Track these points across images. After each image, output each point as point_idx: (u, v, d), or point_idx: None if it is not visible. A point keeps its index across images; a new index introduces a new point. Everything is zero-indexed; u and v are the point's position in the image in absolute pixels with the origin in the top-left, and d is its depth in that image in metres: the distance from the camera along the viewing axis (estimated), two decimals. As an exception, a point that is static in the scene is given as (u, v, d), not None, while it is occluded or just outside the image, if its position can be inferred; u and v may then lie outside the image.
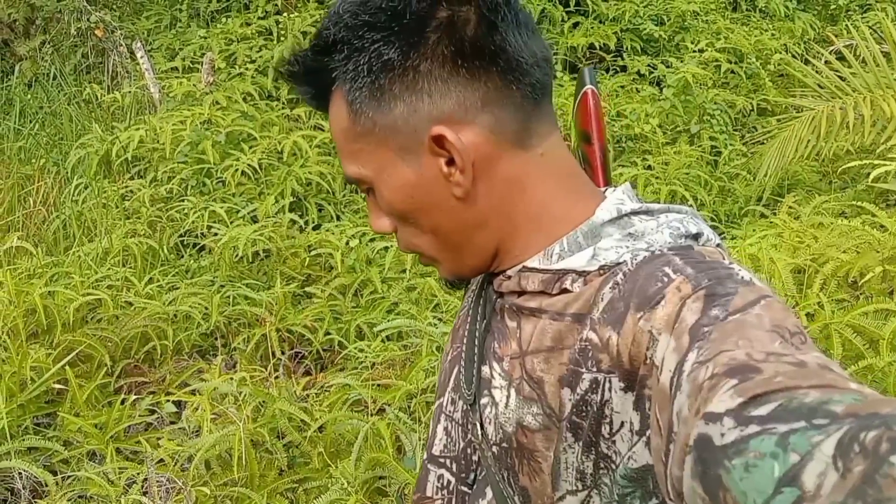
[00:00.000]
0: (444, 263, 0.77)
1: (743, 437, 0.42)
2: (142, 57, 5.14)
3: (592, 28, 5.54)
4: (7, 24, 5.95)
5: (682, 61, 4.99)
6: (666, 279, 0.61)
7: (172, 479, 2.24)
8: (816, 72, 3.98)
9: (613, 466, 0.65)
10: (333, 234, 3.76)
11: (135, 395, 3.04)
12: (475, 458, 0.81)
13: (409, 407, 2.52)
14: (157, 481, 2.26)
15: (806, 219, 3.15)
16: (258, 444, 2.42)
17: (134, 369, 3.22)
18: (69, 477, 2.53)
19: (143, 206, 4.11)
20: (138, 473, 2.29)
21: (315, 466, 2.27)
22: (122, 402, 2.82)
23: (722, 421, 0.44)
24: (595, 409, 0.64)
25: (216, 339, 3.41)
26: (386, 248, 3.66)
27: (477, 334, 0.79)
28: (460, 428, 0.82)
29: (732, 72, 5.28)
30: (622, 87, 5.12)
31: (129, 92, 5.03)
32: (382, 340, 3.37)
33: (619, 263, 0.66)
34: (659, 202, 0.75)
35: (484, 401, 0.76)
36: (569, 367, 0.66)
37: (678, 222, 0.68)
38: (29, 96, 5.48)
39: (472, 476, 0.81)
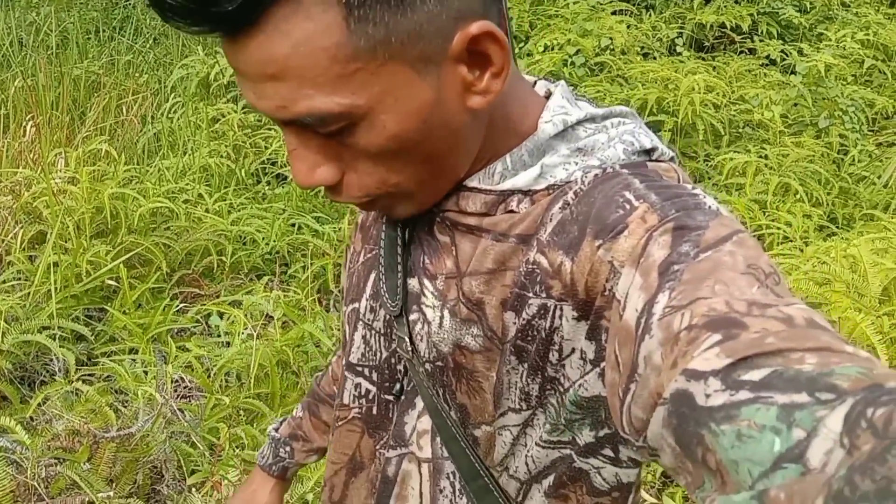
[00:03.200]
0: (419, 196, 0.65)
1: (733, 403, 0.40)
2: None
3: (725, 6, 5.14)
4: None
5: (818, 51, 4.54)
6: (627, 206, 0.56)
7: (192, 382, 2.16)
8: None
9: (562, 389, 0.63)
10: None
11: (188, 304, 3.01)
12: (400, 367, 0.76)
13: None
14: (178, 383, 2.19)
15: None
16: (286, 364, 2.30)
17: (191, 280, 3.19)
18: (98, 364, 2.51)
19: (231, 130, 4.10)
20: (157, 368, 2.22)
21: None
22: (169, 307, 2.78)
23: (706, 380, 0.42)
24: (543, 335, 0.61)
25: (276, 264, 3.34)
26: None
27: (399, 241, 0.71)
28: (382, 338, 0.77)
29: (879, 70, 4.78)
30: (749, 70, 4.72)
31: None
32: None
33: (568, 182, 0.62)
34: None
35: (413, 317, 0.70)
36: (513, 289, 0.62)
37: (630, 135, 0.63)
38: (146, 16, 5.60)
39: (396, 386, 0.77)
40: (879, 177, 3.83)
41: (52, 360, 2.58)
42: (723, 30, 5.10)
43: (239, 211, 3.50)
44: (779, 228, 3.28)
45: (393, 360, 0.77)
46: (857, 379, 0.37)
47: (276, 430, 1.11)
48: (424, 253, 0.70)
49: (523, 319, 0.62)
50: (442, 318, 0.68)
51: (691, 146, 4.22)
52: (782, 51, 4.84)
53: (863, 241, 2.49)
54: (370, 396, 0.79)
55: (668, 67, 4.37)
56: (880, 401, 0.35)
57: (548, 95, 0.69)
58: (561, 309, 0.60)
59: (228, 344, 2.56)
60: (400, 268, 0.72)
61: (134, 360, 2.51)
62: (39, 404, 2.21)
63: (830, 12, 5.15)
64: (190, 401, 2.35)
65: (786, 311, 0.45)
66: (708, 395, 0.42)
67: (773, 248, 3.25)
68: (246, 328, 2.45)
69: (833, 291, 1.95)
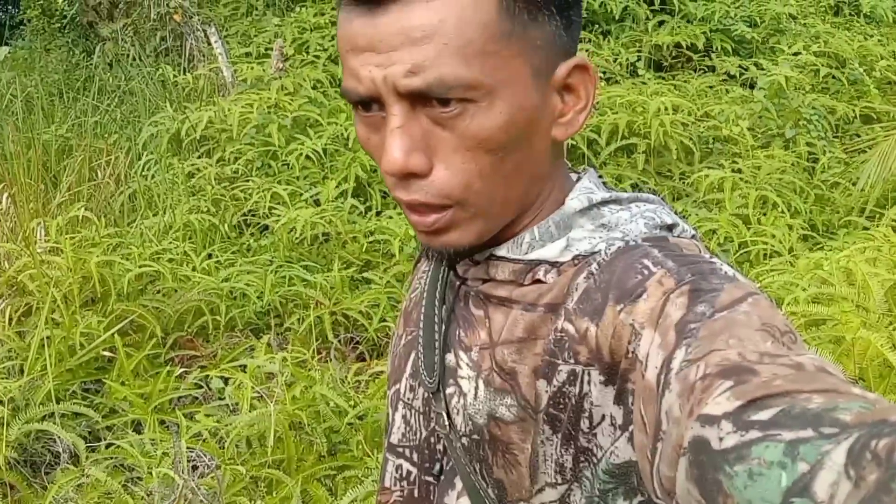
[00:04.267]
0: (483, 218, 0.65)
1: (744, 443, 0.41)
2: (216, 42, 5.16)
3: (679, 27, 5.28)
4: (93, 6, 6.07)
5: (775, 64, 4.68)
6: (646, 272, 0.59)
7: (204, 453, 2.11)
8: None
9: (595, 460, 0.63)
10: (394, 220, 3.63)
11: (185, 368, 2.95)
12: (440, 447, 0.77)
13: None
14: (191, 456, 2.14)
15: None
16: (298, 427, 2.27)
17: (186, 343, 3.13)
18: (110, 445, 2.44)
19: (209, 184, 4.06)
20: (172, 447, 2.16)
21: (355, 455, 2.11)
22: (169, 374, 2.73)
23: (719, 424, 0.43)
24: (574, 401, 0.62)
25: (270, 318, 3.31)
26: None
27: (437, 319, 0.73)
28: (421, 416, 0.78)
29: (833, 77, 4.94)
30: (710, 87, 4.84)
31: (203, 75, 5.03)
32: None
33: (593, 253, 0.64)
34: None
35: (450, 390, 0.72)
36: (543, 357, 0.64)
37: (652, 212, 0.66)
38: (108, 75, 5.55)
39: (437, 466, 0.77)
40: (853, 182, 3.94)
41: (55, 440, 2.51)
42: (679, 49, 5.23)
43: (227, 267, 3.46)
44: (765, 242, 3.35)
45: (432, 440, 0.77)
46: (861, 413, 0.38)
47: None
48: (460, 327, 0.72)
49: (554, 387, 0.63)
50: (477, 388, 0.69)
51: (665, 165, 4.30)
52: (740, 66, 4.97)
53: (856, 253, 2.55)
54: (411, 478, 0.79)
55: (633, 91, 4.46)
56: (884, 432, 0.35)
57: (577, 180, 0.72)
58: (589, 374, 0.61)
59: (235, 408, 2.52)
60: (437, 344, 0.72)
61: (140, 435, 2.45)
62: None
63: (780, 25, 5.31)
64: (202, 473, 2.30)
65: (796, 360, 0.46)
66: (721, 439, 0.42)
67: (760, 262, 3.31)
68: (254, 392, 2.41)
69: (843, 311, 1.98)
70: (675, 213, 0.69)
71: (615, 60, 4.92)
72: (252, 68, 4.73)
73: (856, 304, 2.14)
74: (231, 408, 2.54)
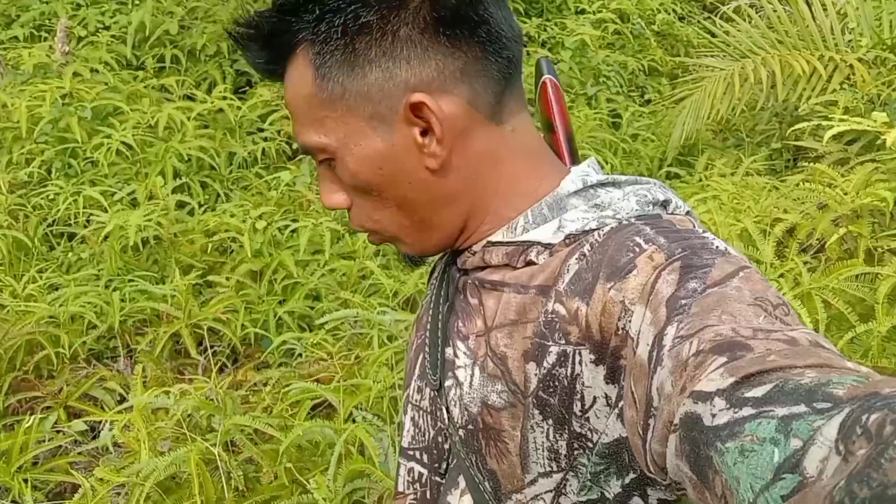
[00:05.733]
0: (406, 240, 0.73)
1: (737, 420, 0.41)
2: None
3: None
4: None
5: (575, 23, 4.95)
6: (637, 249, 0.59)
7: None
8: (711, 34, 4.05)
9: (591, 445, 0.63)
10: (234, 215, 3.40)
11: (29, 412, 2.61)
12: (447, 446, 0.78)
13: (365, 405, 2.30)
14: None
15: (738, 180, 3.18)
16: (207, 462, 2.11)
17: (22, 383, 2.77)
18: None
19: (1, 194, 3.55)
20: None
21: (282, 482, 2.01)
22: (17, 425, 2.40)
23: (712, 401, 0.43)
24: (565, 383, 0.62)
25: (109, 339, 3.00)
26: (294, 231, 3.36)
27: (440, 316, 0.76)
28: (429, 416, 0.79)
29: (618, 32, 5.31)
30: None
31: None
32: (305, 329, 3.11)
33: (585, 233, 0.65)
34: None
35: (448, 383, 0.73)
36: (533, 340, 0.64)
37: (645, 190, 0.67)
38: None
39: (444, 465, 0.78)
40: (654, 133, 4.31)
41: None
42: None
43: (49, 290, 3.08)
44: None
45: (440, 439, 0.78)
46: (853, 388, 0.38)
47: None
48: (458, 318, 0.74)
49: (544, 369, 0.63)
50: (472, 376, 0.70)
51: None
52: (540, 25, 5.19)
53: (697, 203, 2.78)
54: (423, 480, 0.80)
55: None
56: (875, 406, 0.35)
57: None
58: (580, 354, 0.61)
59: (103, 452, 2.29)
60: (440, 340, 0.75)
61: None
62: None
63: (567, -17, 5.59)
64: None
65: (790, 335, 0.46)
66: (714, 415, 0.42)
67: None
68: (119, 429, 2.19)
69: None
70: (672, 191, 0.70)
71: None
72: (31, 54, 4.14)
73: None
74: (110, 451, 2.31)
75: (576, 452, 0.64)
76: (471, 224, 0.72)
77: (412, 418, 0.81)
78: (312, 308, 3.21)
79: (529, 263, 0.68)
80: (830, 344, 0.47)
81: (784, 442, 0.37)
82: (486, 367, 0.68)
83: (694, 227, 0.64)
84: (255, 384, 2.76)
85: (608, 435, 0.62)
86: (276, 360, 2.99)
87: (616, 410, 0.60)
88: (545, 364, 0.63)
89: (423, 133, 0.66)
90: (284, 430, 2.02)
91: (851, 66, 4.00)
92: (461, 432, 0.72)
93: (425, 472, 0.80)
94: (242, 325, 3.02)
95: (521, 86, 0.72)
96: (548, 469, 0.66)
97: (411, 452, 0.81)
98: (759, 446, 0.38)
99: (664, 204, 0.67)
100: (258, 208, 3.37)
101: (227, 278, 3.23)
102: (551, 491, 0.67)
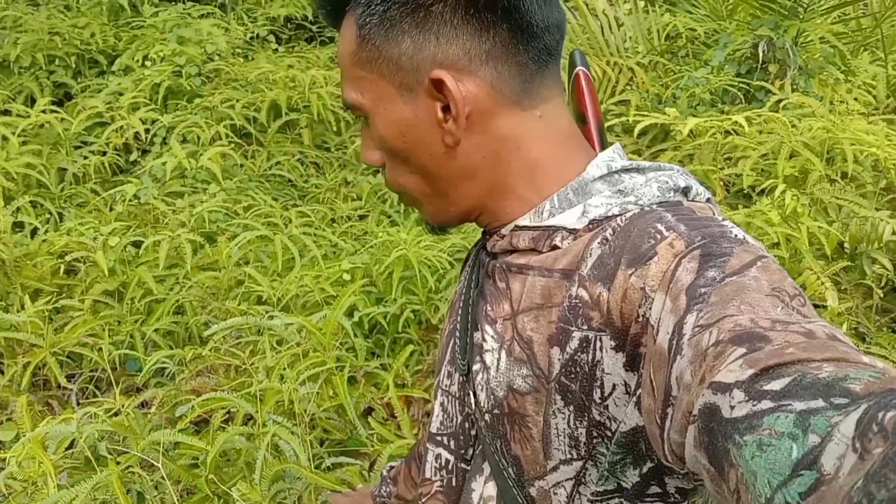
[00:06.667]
0: (426, 207, 0.76)
1: (756, 413, 0.41)
2: None
3: (289, -2, 5.43)
4: None
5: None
6: (658, 236, 0.60)
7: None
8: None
9: (609, 434, 0.63)
10: (83, 233, 3.24)
11: None
12: (473, 432, 0.78)
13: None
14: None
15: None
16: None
17: None
18: None
19: None
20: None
21: (205, 493, 2.03)
22: None
23: (731, 392, 0.43)
24: (586, 369, 0.63)
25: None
26: (154, 244, 3.27)
27: (470, 301, 0.78)
28: (457, 402, 0.80)
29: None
30: (332, 58, 5.14)
31: None
32: (174, 347, 3.05)
33: (608, 218, 0.67)
34: None
35: (476, 367, 0.74)
36: (558, 325, 0.65)
37: (666, 177, 0.69)
38: None
39: (470, 452, 0.79)
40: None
41: None
42: (296, 21, 5.40)
43: None
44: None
45: (467, 425, 0.79)
46: (870, 383, 0.38)
47: (388, 470, 1.23)
48: (487, 302, 0.75)
49: (566, 354, 0.64)
50: (499, 359, 0.71)
51: (319, 138, 4.51)
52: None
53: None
54: (449, 467, 0.81)
55: (270, 62, 4.54)
56: (892, 404, 0.35)
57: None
58: (600, 340, 0.61)
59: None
60: (469, 325, 0.77)
61: None
62: None
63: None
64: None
65: (807, 327, 0.47)
66: (733, 407, 0.42)
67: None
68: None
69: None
70: (693, 178, 0.71)
71: (247, 35, 4.90)
72: None
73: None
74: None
75: (594, 441, 0.64)
76: (490, 203, 0.73)
77: (441, 403, 0.82)
78: (177, 323, 3.16)
79: (554, 248, 0.68)
80: (846, 338, 0.47)
81: (802, 437, 0.37)
82: (513, 351, 0.69)
83: (713, 214, 0.64)
84: (141, 405, 2.68)
85: (626, 424, 0.62)
86: (144, 381, 2.92)
87: (634, 399, 0.60)
88: (568, 349, 0.64)
89: (444, 109, 0.68)
90: (208, 441, 2.04)
91: (632, 69, 4.62)
92: (487, 417, 0.72)
93: (452, 458, 0.80)
94: (101, 348, 2.91)
95: (556, 73, 0.72)
96: (568, 456, 0.66)
97: (440, 438, 0.82)
98: (778, 441, 0.38)
99: (685, 191, 0.68)
100: (109, 225, 3.23)
101: (82, 300, 3.09)
102: (571, 479, 0.67)
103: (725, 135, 3.08)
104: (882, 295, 2.80)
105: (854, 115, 3.14)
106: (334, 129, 4.37)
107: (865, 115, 3.36)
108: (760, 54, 3.48)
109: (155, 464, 2.06)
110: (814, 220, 2.71)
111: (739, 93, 3.63)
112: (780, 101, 3.38)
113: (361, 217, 4.00)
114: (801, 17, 3.55)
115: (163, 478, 2.12)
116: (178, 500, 2.04)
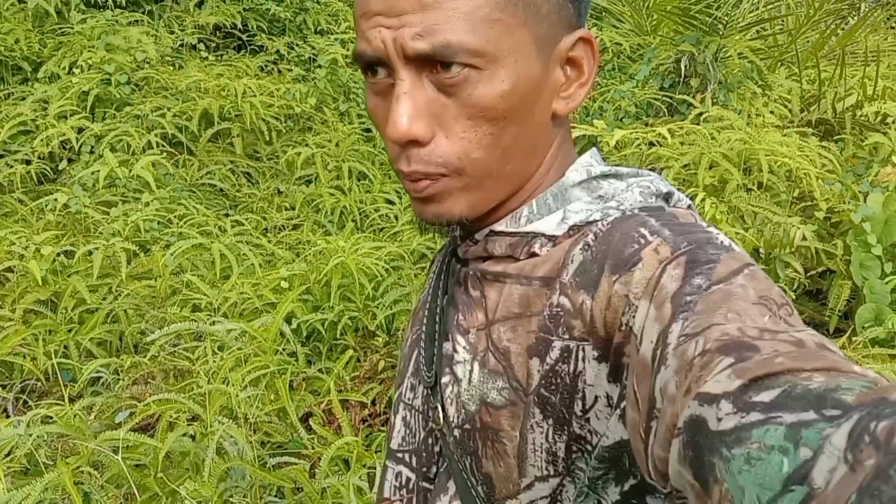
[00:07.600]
0: (478, 190, 0.65)
1: (744, 425, 0.39)
2: None
3: (218, 6, 5.41)
4: None
5: (325, 42, 5.21)
6: (642, 241, 0.58)
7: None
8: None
9: (589, 448, 0.60)
10: (14, 242, 3.16)
11: None
12: (437, 448, 0.74)
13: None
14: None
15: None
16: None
17: None
18: None
19: None
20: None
21: (154, 492, 2.03)
22: None
23: (718, 404, 0.41)
24: (567, 381, 0.60)
25: None
26: (89, 252, 3.22)
27: (438, 310, 0.74)
28: (420, 416, 0.76)
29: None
30: (262, 67, 5.14)
31: None
32: (109, 355, 3.00)
33: (588, 223, 0.64)
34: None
35: (445, 379, 0.70)
36: (538, 334, 0.62)
37: (648, 182, 0.67)
38: None
39: (433, 470, 0.75)
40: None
41: None
42: (225, 30, 5.38)
43: None
44: (377, 208, 3.91)
45: (430, 441, 0.75)
46: (862, 393, 0.37)
47: None
48: (458, 311, 0.71)
49: (546, 365, 0.61)
50: (471, 371, 0.67)
51: (250, 147, 4.51)
52: (289, 44, 5.38)
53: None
54: (410, 486, 0.76)
55: (201, 71, 4.52)
56: (884, 414, 0.34)
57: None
58: (583, 350, 0.59)
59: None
60: (437, 334, 0.72)
61: None
62: None
63: (304, 4, 5.83)
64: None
65: (796, 336, 0.45)
66: (720, 419, 0.41)
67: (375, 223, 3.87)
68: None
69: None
70: (672, 185, 0.69)
71: (177, 42, 4.86)
72: None
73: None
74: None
75: (574, 456, 0.61)
76: (511, 199, 0.69)
77: (403, 418, 0.78)
78: (111, 332, 3.12)
79: (533, 255, 0.65)
80: (836, 347, 0.45)
81: (793, 451, 0.36)
82: (487, 363, 0.66)
83: (696, 220, 0.62)
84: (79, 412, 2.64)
85: (608, 437, 0.59)
86: (79, 390, 2.88)
87: (618, 411, 0.58)
88: (548, 360, 0.61)
89: (565, 74, 0.65)
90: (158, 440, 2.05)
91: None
92: (456, 432, 0.68)
93: (413, 476, 0.76)
94: (35, 358, 2.85)
95: None
96: (545, 473, 0.63)
97: (400, 455, 0.78)
98: (767, 455, 0.37)
99: (667, 196, 0.67)
100: (41, 234, 3.17)
101: (13, 310, 3.01)
102: (547, 497, 0.64)
103: (650, 146, 3.26)
104: (794, 297, 3.02)
105: (770, 128, 3.38)
106: (266, 138, 4.38)
107: (780, 127, 3.61)
108: (683, 69, 3.69)
109: (108, 459, 2.06)
110: (731, 226, 2.91)
111: (663, 106, 3.84)
112: (700, 114, 3.59)
113: (295, 227, 4.03)
114: (721, 33, 3.79)
115: (108, 481, 2.11)
116: (123, 501, 2.03)
